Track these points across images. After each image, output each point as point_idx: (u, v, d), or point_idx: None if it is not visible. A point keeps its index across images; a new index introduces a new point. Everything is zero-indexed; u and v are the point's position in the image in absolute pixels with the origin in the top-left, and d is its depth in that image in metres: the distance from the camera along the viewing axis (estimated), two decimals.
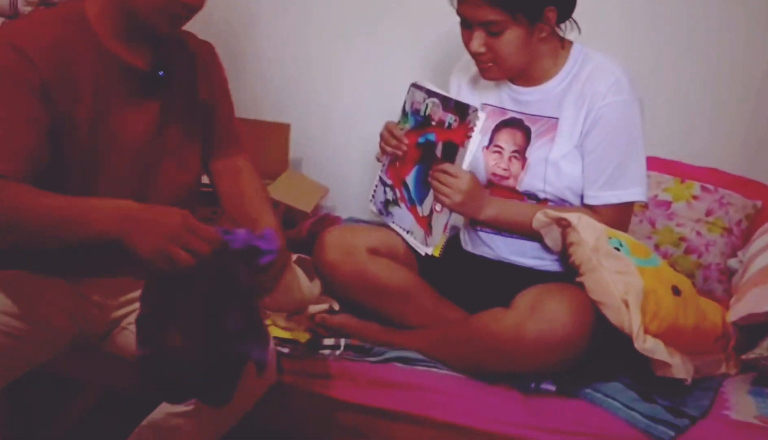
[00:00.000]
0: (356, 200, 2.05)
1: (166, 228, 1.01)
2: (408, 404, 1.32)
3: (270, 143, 1.95)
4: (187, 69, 1.32)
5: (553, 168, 1.40)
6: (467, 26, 1.38)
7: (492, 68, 1.40)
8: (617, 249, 1.28)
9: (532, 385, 1.31)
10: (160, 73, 1.26)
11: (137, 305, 1.32)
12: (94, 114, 1.17)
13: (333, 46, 2.06)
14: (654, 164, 1.82)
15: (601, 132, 1.37)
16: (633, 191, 1.39)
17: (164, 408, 1.25)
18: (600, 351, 1.29)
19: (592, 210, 1.39)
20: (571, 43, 1.44)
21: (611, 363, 1.32)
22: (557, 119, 1.41)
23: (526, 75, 1.44)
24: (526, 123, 1.44)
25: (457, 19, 1.39)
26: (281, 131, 1.96)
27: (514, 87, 1.46)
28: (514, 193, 1.45)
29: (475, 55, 1.39)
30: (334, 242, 1.47)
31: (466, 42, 1.39)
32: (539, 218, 1.36)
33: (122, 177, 1.23)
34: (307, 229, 1.72)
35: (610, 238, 1.30)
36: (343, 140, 2.11)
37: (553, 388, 1.31)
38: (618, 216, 1.40)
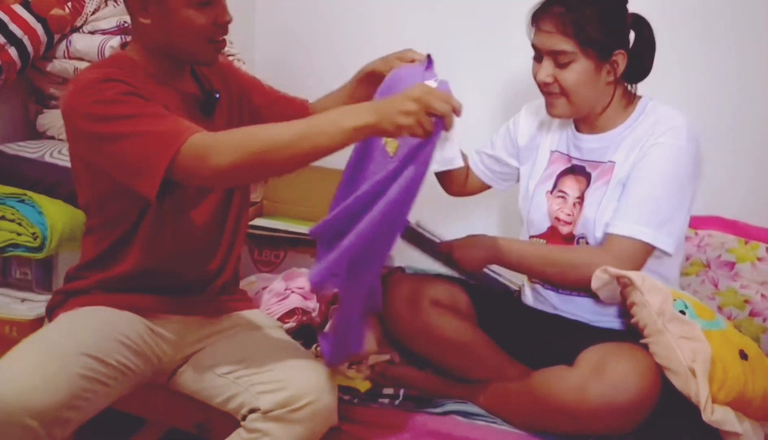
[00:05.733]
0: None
1: (411, 96, 1.07)
2: None
3: (332, 189, 1.98)
4: (223, 86, 1.41)
5: (602, 219, 1.40)
6: (539, 58, 1.42)
7: (557, 103, 1.42)
8: (683, 312, 1.27)
9: None
10: (217, 95, 1.36)
11: (205, 344, 1.37)
12: None
13: None
14: (717, 223, 1.80)
15: (641, 169, 1.37)
16: (645, 232, 1.34)
17: None
18: (665, 412, 1.27)
19: (608, 238, 1.37)
20: (639, 97, 1.47)
21: (676, 426, 1.30)
22: (614, 162, 1.42)
23: (591, 122, 1.46)
24: (588, 170, 1.46)
25: (529, 59, 1.44)
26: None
27: (578, 134, 1.49)
28: (568, 239, 1.46)
29: (542, 87, 1.42)
30: (398, 295, 1.50)
31: (535, 73, 1.43)
32: (599, 276, 1.33)
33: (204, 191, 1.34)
34: None
35: (675, 300, 1.29)
36: None
37: None
38: (632, 253, 1.35)
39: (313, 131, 1.08)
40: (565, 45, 1.36)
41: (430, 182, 1.22)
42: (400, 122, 1.06)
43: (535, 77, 1.43)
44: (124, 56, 1.30)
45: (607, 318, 1.44)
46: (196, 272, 1.39)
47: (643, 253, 1.36)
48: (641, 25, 1.43)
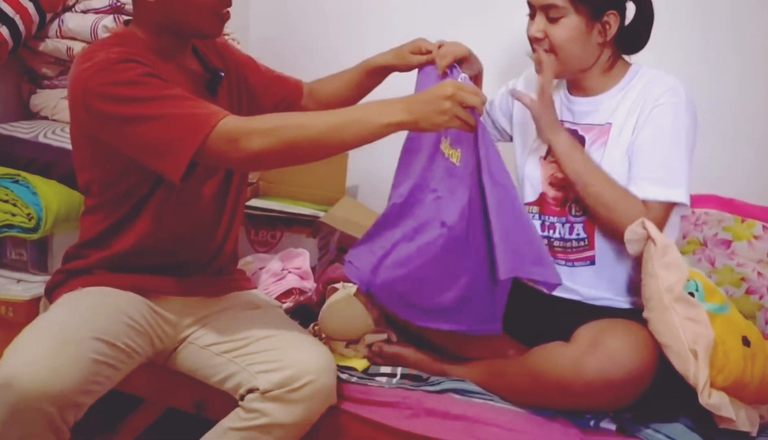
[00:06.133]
0: None
1: (444, 95, 1.11)
2: (464, 435, 1.30)
3: (328, 170, 1.99)
4: (221, 64, 1.41)
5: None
6: (532, 15, 1.43)
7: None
8: (692, 294, 1.26)
9: (591, 423, 1.30)
10: (221, 73, 1.36)
11: (204, 323, 1.37)
12: None
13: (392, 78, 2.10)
14: (714, 202, 1.80)
15: (651, 131, 1.37)
16: (676, 192, 1.36)
17: (224, 423, 1.27)
18: (661, 389, 1.27)
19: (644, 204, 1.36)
20: (630, 64, 1.47)
21: (673, 403, 1.30)
22: (611, 123, 1.42)
23: (582, 85, 1.47)
24: (581, 133, 1.46)
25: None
26: (339, 158, 1.99)
27: (570, 97, 1.49)
28: (561, 203, 1.46)
29: (533, 43, 1.43)
30: None
31: (528, 30, 1.43)
32: (635, 229, 1.30)
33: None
34: None
35: (688, 279, 1.28)
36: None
37: (613, 427, 1.29)
38: (663, 216, 1.36)
39: (346, 124, 1.11)
40: None
41: None
42: (437, 120, 1.11)
43: (528, 34, 1.44)
44: (128, 34, 1.28)
45: (604, 296, 1.44)
46: (197, 251, 1.39)
47: (670, 212, 1.38)
48: None
